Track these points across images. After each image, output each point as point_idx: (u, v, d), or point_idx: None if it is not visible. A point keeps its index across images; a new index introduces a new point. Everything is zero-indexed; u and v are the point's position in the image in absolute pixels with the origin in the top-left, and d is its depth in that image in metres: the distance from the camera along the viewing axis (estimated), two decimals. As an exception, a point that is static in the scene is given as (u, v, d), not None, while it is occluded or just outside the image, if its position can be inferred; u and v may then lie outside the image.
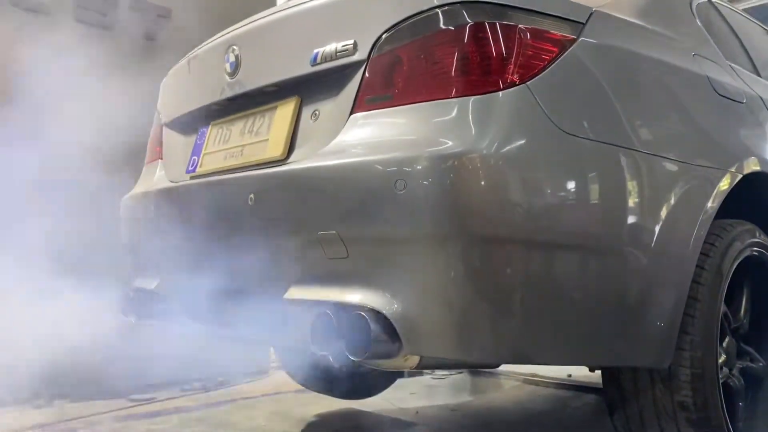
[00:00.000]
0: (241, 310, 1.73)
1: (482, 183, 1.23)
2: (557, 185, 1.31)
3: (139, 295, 1.97)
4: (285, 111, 1.61)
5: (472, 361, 1.32)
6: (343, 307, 1.34)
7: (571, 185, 1.32)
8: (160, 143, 2.09)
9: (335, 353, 1.36)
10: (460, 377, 4.10)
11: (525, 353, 1.30)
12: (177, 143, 2.01)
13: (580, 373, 4.06)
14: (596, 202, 1.37)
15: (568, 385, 3.76)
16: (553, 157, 1.32)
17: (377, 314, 1.29)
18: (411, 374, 4.04)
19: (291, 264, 1.47)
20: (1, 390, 3.13)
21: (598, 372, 3.60)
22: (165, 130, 2.09)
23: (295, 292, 1.45)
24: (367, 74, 1.44)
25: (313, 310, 1.37)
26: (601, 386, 3.23)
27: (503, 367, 4.32)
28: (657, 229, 1.46)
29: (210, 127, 1.87)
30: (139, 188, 2.05)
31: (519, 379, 3.97)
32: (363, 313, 1.29)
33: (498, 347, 1.28)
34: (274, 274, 1.52)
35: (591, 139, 1.37)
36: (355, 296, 1.33)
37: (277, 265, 1.51)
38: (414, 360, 1.34)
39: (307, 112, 1.58)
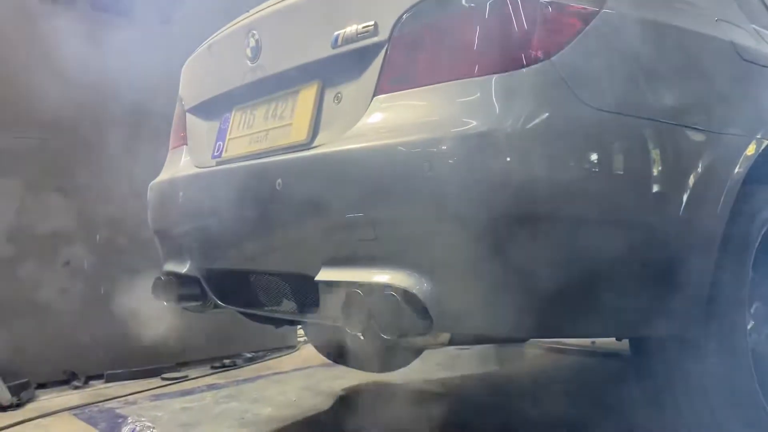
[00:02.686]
0: (271, 292, 1.77)
1: (508, 161, 1.24)
2: (583, 160, 1.31)
3: (170, 279, 2.01)
4: (307, 94, 1.62)
5: (502, 337, 1.35)
6: (373, 287, 1.36)
7: (597, 159, 1.33)
8: (184, 129, 2.11)
9: (367, 332, 1.39)
10: (485, 347, 4.14)
11: (554, 327, 1.32)
12: (201, 129, 2.03)
13: (604, 340, 4.08)
14: (622, 175, 1.37)
15: (593, 353, 3.79)
16: (579, 132, 1.32)
17: (408, 293, 1.31)
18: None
19: (321, 246, 1.50)
20: (39, 374, 3.23)
21: (623, 339, 3.61)
22: (188, 116, 2.11)
23: (326, 274, 1.48)
24: (388, 55, 1.45)
25: (345, 291, 1.40)
26: (626, 353, 3.25)
27: (527, 336, 4.36)
28: (684, 199, 1.46)
29: (233, 112, 1.88)
30: (166, 174, 2.08)
31: (543, 348, 4.01)
32: (394, 293, 1.31)
33: (527, 322, 1.30)
34: (304, 256, 1.54)
35: (616, 113, 1.36)
36: (385, 276, 1.36)
37: (306, 247, 1.53)
38: (445, 337, 1.37)
39: (329, 95, 1.59)
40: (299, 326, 4.12)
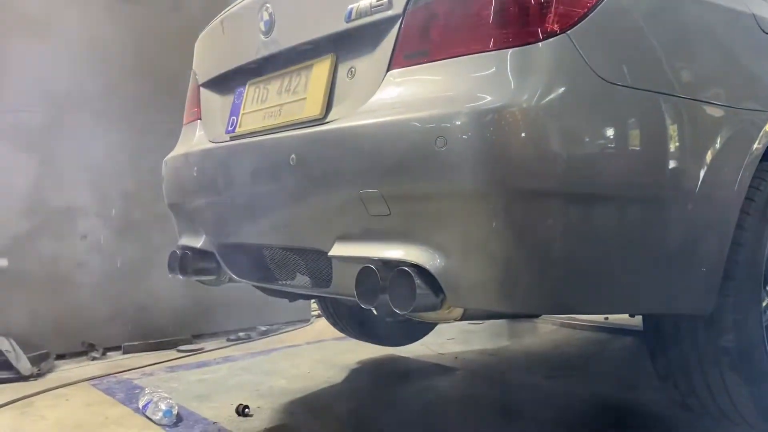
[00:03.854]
0: (285, 267, 1.78)
1: (523, 136, 1.23)
2: (599, 136, 1.30)
3: (185, 253, 2.03)
4: (321, 69, 1.62)
5: (515, 312, 1.35)
6: (387, 262, 1.37)
7: (613, 135, 1.31)
8: (198, 104, 2.11)
9: (381, 307, 1.40)
10: (497, 323, 4.16)
11: (567, 303, 1.32)
12: (215, 103, 2.03)
13: (617, 316, 4.08)
14: (638, 151, 1.35)
15: (605, 328, 3.79)
16: (595, 108, 1.30)
17: (421, 269, 1.32)
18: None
19: (334, 222, 1.50)
20: (58, 345, 3.29)
21: (637, 315, 3.61)
22: (202, 90, 2.11)
23: (340, 249, 1.49)
24: (403, 29, 1.43)
25: (358, 267, 1.41)
26: (639, 329, 3.25)
27: (540, 312, 4.37)
28: (701, 175, 1.44)
29: (247, 86, 1.88)
30: (181, 149, 2.08)
31: (556, 323, 4.02)
32: (407, 268, 1.32)
33: (540, 298, 1.30)
34: (318, 231, 1.55)
35: (632, 87, 1.34)
36: (398, 252, 1.36)
37: (320, 223, 1.54)
38: (458, 312, 1.38)
39: (343, 69, 1.58)
40: (313, 300, 4.16)
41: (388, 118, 1.36)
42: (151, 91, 3.59)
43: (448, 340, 3.59)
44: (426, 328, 3.21)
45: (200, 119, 2.09)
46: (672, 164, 1.40)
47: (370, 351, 3.25)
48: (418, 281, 1.31)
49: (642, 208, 1.38)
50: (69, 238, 3.38)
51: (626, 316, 4.09)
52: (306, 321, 4.25)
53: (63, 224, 3.36)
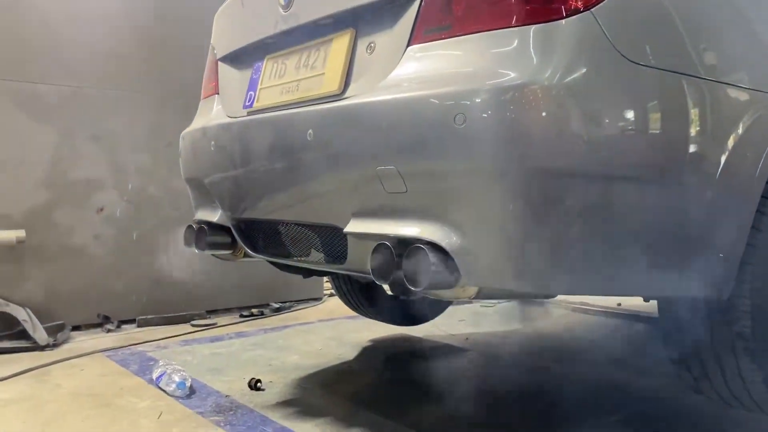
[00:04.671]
0: (301, 242, 1.79)
1: (544, 115, 1.22)
2: (621, 116, 1.28)
3: (201, 228, 2.04)
4: (340, 44, 1.61)
5: (530, 292, 1.35)
6: (402, 240, 1.37)
7: (634, 116, 1.30)
8: (216, 78, 2.11)
9: (395, 284, 1.40)
10: (509, 305, 4.17)
11: (583, 285, 1.32)
12: (233, 78, 2.03)
13: (630, 302, 4.07)
14: (660, 133, 1.34)
15: (618, 314, 3.79)
16: (617, 87, 1.28)
17: (436, 247, 1.31)
18: (460, 302, 4.12)
19: (351, 198, 1.50)
20: (74, 316, 3.34)
21: (652, 300, 3.59)
22: (220, 65, 2.11)
23: (355, 226, 1.49)
24: (424, 4, 1.42)
25: (373, 243, 1.41)
26: (652, 315, 3.24)
27: (552, 296, 4.37)
28: (722, 159, 1.43)
29: (265, 61, 1.87)
30: (198, 123, 2.09)
31: (568, 308, 4.01)
32: (422, 246, 1.32)
33: (555, 278, 1.29)
34: (333, 208, 1.55)
35: (656, 67, 1.32)
36: (414, 229, 1.36)
37: (336, 199, 1.54)
38: (472, 290, 1.37)
39: (362, 44, 1.57)
40: (326, 279, 4.18)
41: (407, 94, 1.35)
42: (170, 66, 3.59)
43: (459, 322, 3.60)
44: (438, 308, 3.22)
45: (218, 94, 2.09)
46: (693, 147, 1.38)
47: (381, 330, 3.27)
48: (433, 259, 1.31)
49: (661, 191, 1.37)
50: (86, 211, 3.41)
51: (639, 302, 4.08)
52: (318, 299, 4.27)
53: (80, 197, 3.39)
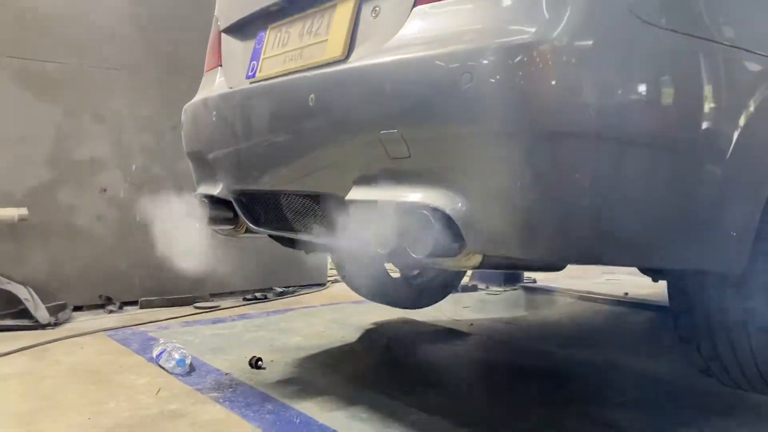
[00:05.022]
0: (302, 215, 1.75)
1: (554, 75, 1.17)
2: (634, 78, 1.23)
3: (202, 201, 2.01)
4: (344, 9, 1.56)
5: (537, 261, 1.30)
6: (405, 206, 1.33)
7: (648, 79, 1.24)
8: (219, 50, 2.07)
9: (397, 253, 1.36)
10: (514, 293, 4.13)
11: (592, 252, 1.27)
12: (236, 49, 1.99)
13: (637, 291, 4.03)
14: (673, 99, 1.28)
15: (625, 302, 3.74)
16: (632, 49, 1.23)
17: (440, 212, 1.27)
18: (464, 289, 4.09)
19: (352, 165, 1.46)
20: (76, 297, 3.32)
21: (656, 291, 3.57)
22: (223, 36, 2.07)
23: (357, 193, 1.45)
24: (430, -38, 1.37)
25: (375, 211, 1.37)
26: (659, 304, 3.20)
27: (559, 284, 4.33)
28: (737, 129, 1.37)
29: (268, 30, 1.83)
30: (200, 96, 2.05)
31: (574, 296, 3.96)
32: (425, 212, 1.28)
33: (563, 246, 1.25)
34: (335, 175, 1.51)
35: (672, 30, 1.27)
36: (417, 195, 1.32)
37: (338, 166, 1.50)
38: (476, 259, 1.33)
39: (367, 8, 1.52)
40: (330, 265, 4.15)
41: (411, 55, 1.30)
42: (176, 45, 3.56)
43: (464, 308, 3.56)
44: (443, 291, 3.18)
45: (221, 66, 2.05)
46: (707, 117, 1.33)
47: (385, 313, 3.23)
48: (436, 225, 1.27)
49: (674, 159, 1.32)
50: (89, 191, 3.38)
51: (646, 291, 4.04)
52: (322, 285, 4.24)
53: (84, 177, 3.36)
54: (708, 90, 1.34)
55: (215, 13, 2.15)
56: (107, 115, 3.41)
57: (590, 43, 1.19)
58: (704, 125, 1.34)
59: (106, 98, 3.41)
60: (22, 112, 3.18)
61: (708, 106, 1.34)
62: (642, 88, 1.24)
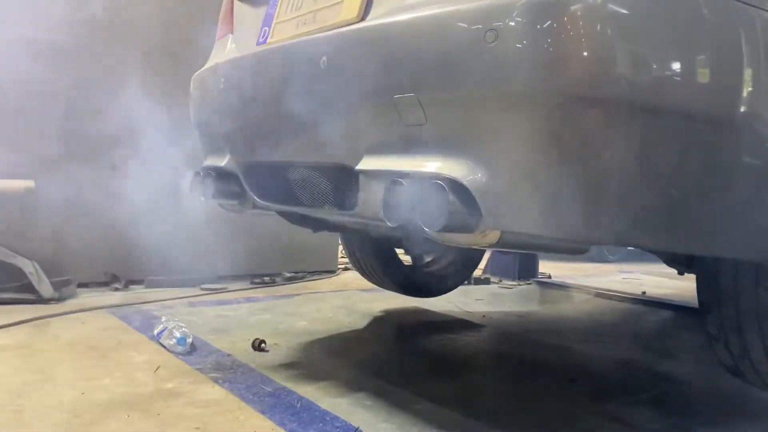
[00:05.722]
0: (311, 188, 1.66)
1: (586, 34, 1.07)
2: (671, 44, 1.13)
3: (208, 173, 1.92)
4: (362, -32, 1.47)
5: (560, 239, 1.20)
6: (419, 176, 1.23)
7: (686, 46, 1.14)
8: (231, 17, 1.99)
9: (408, 228, 1.27)
10: (528, 288, 4.02)
11: (620, 232, 1.16)
12: (249, 15, 1.90)
13: (655, 291, 3.91)
14: (711, 65, 1.18)
15: (643, 301, 3.62)
16: (669, 10, 1.13)
17: (456, 183, 1.18)
18: (477, 282, 3.99)
19: (364, 133, 1.37)
20: (82, 273, 3.26)
21: (674, 291, 3.46)
22: (236, 3, 1.98)
23: (368, 163, 1.36)
24: None
25: (387, 181, 1.27)
26: (679, 303, 3.08)
27: (574, 280, 4.21)
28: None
29: (282, -6, 1.74)
30: (209, 63, 1.97)
31: (591, 293, 3.85)
32: (440, 182, 1.18)
33: (590, 224, 1.14)
34: (345, 144, 1.42)
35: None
36: (433, 165, 1.22)
37: (348, 134, 1.41)
38: (494, 235, 1.23)
39: (386, -33, 1.42)
40: (340, 250, 4.07)
41: (430, 12, 1.20)
42: (190, 18, 3.48)
43: (477, 300, 3.46)
44: (455, 281, 3.09)
45: (232, 33, 1.97)
46: (749, 85, 1.22)
47: (395, 302, 3.15)
48: (451, 197, 1.17)
49: (712, 136, 1.21)
50: (98, 167, 3.32)
51: (665, 290, 3.92)
52: (333, 272, 4.17)
53: (93, 153, 3.30)
54: (755, 60, 1.23)
55: (229, -21, 2.06)
56: (118, 91, 3.34)
57: (626, 4, 1.08)
58: (744, 104, 1.23)
59: (116, 73, 3.34)
60: (31, 83, 3.12)
61: (750, 83, 1.24)
62: (680, 56, 1.14)
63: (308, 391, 1.81)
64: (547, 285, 4.13)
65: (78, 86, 3.24)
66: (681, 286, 3.84)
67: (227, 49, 1.92)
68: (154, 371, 1.94)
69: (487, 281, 4.10)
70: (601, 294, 3.80)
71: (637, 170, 1.13)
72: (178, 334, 2.18)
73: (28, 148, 3.13)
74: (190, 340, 2.18)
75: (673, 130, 1.16)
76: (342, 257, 4.11)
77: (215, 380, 1.87)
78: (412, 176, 1.24)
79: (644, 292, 3.88)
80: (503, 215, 1.17)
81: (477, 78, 1.13)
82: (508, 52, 1.09)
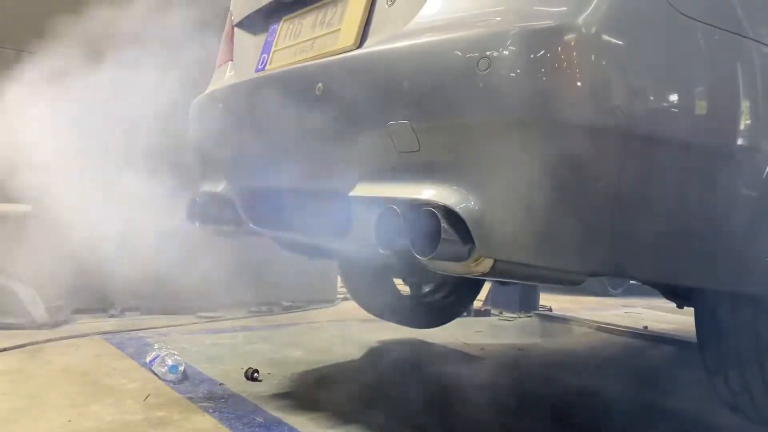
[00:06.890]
0: (305, 213, 1.65)
1: (580, 63, 1.07)
2: (667, 73, 1.13)
3: (205, 199, 1.92)
4: (359, -3, 1.48)
5: (554, 269, 1.18)
6: (411, 203, 1.22)
7: (682, 75, 1.14)
8: (231, 45, 2.01)
9: (400, 254, 1.25)
10: (529, 321, 3.98)
11: (616, 263, 1.15)
12: (248, 43, 1.92)
13: (657, 326, 3.87)
14: (708, 97, 1.18)
15: (644, 335, 3.57)
16: (665, 41, 1.13)
17: (448, 211, 1.16)
18: (477, 314, 3.95)
19: (358, 160, 1.36)
20: (77, 300, 3.23)
21: (676, 326, 3.41)
22: (236, 31, 2.00)
23: (362, 189, 1.35)
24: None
25: (380, 208, 1.26)
26: (680, 338, 3.04)
27: (575, 313, 4.17)
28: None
29: (282, 22, 1.76)
30: (208, 90, 1.98)
31: (592, 326, 3.80)
32: (433, 209, 1.17)
33: (584, 254, 1.13)
34: (338, 171, 1.41)
35: (709, 24, 1.17)
36: (425, 192, 1.21)
37: (342, 161, 1.40)
38: (486, 264, 1.21)
39: (382, -2, 1.44)
40: (338, 280, 4.04)
41: (425, 40, 1.21)
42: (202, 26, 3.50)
43: (476, 333, 3.42)
44: (454, 312, 3.05)
45: (232, 60, 1.98)
46: (745, 116, 1.22)
47: (392, 333, 3.11)
48: (444, 225, 1.15)
49: (709, 167, 1.21)
50: (96, 191, 3.31)
51: (666, 325, 3.87)
52: (331, 302, 4.13)
53: (91, 176, 3.29)
54: (750, 91, 1.23)
55: (230, 8, 2.08)
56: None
57: (620, 32, 1.09)
58: (744, 124, 1.23)
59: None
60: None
61: (746, 114, 1.23)
62: (676, 83, 1.14)
63: (300, 422, 1.77)
64: (547, 318, 4.09)
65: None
66: (683, 321, 3.79)
67: (226, 76, 1.93)
68: (144, 399, 1.91)
69: (487, 313, 4.06)
70: (602, 328, 3.76)
71: (632, 201, 1.12)
72: (170, 362, 2.15)
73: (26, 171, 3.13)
74: (182, 368, 2.15)
75: (669, 160, 1.15)
76: (341, 287, 4.08)
77: (205, 409, 1.84)
78: (404, 203, 1.23)
79: (646, 327, 3.84)
80: (496, 244, 1.16)
81: (470, 106, 1.12)
82: (501, 80, 1.09)
